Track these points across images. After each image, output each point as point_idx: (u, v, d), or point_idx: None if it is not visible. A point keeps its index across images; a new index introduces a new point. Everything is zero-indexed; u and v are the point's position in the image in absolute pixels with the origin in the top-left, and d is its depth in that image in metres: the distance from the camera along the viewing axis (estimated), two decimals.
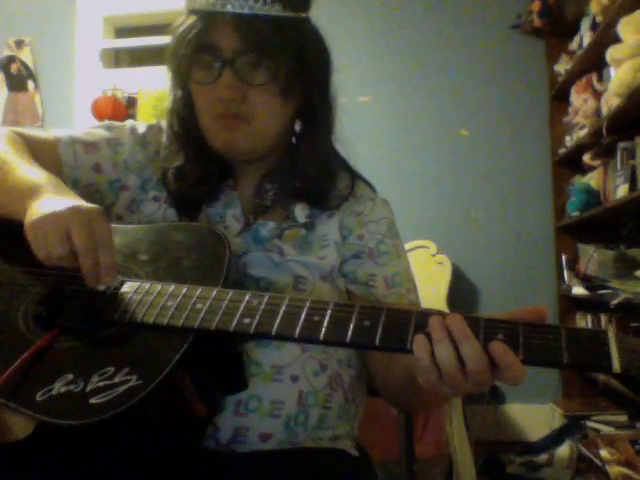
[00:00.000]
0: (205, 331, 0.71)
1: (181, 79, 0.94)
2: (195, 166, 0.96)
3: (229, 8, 0.85)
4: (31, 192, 0.81)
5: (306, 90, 0.93)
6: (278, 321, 0.69)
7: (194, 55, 0.88)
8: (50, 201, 0.78)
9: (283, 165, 0.98)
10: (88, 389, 0.66)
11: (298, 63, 0.90)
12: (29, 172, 0.85)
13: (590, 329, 0.63)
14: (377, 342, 0.66)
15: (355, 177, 1.03)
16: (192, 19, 0.88)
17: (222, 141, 0.92)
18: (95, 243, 0.74)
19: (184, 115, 0.96)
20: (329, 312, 0.69)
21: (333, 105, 0.97)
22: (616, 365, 0.59)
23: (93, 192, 0.99)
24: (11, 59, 3.56)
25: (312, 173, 0.96)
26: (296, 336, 0.68)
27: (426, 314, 0.66)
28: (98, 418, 0.63)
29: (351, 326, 0.67)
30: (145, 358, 0.70)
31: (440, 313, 0.67)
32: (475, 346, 0.62)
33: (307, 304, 0.70)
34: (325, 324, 0.68)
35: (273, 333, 0.69)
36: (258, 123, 0.91)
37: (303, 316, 0.69)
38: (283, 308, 0.70)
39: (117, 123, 1.05)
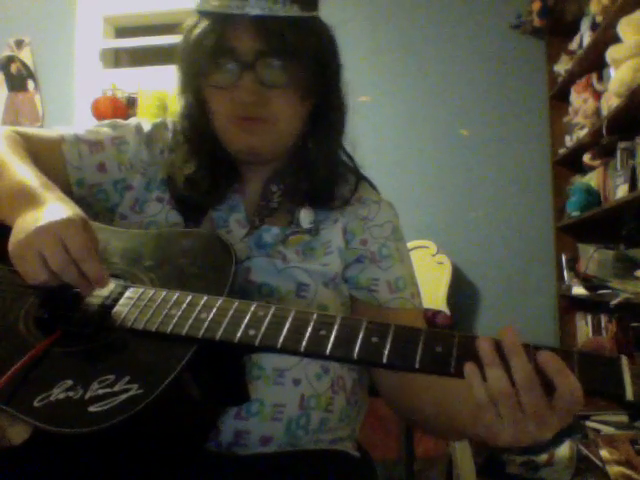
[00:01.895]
0: (209, 341, 0.69)
1: (196, 82, 0.91)
2: (206, 173, 0.94)
3: (248, 10, 0.83)
4: (19, 200, 0.80)
5: (321, 90, 0.92)
6: (284, 334, 0.68)
7: (213, 59, 0.86)
8: (28, 218, 0.76)
9: (290, 166, 0.97)
10: (87, 397, 0.65)
11: (315, 64, 0.89)
12: (20, 177, 0.83)
13: (603, 355, 0.61)
14: (384, 360, 0.64)
15: (360, 179, 1.01)
16: (206, 22, 0.86)
17: (242, 144, 0.90)
18: (72, 258, 0.73)
19: (197, 119, 0.94)
20: (336, 326, 0.67)
21: (345, 104, 0.97)
22: (629, 394, 0.57)
23: (98, 192, 0.98)
24: (11, 59, 3.56)
25: (321, 173, 0.95)
26: (302, 350, 0.67)
27: (436, 332, 0.65)
28: (96, 428, 0.62)
29: (358, 342, 0.66)
30: (147, 367, 0.68)
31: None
32: (525, 361, 0.60)
33: (314, 317, 0.69)
34: (332, 339, 0.66)
35: (278, 346, 0.67)
36: (278, 125, 0.90)
37: (309, 330, 0.68)
38: (289, 320, 0.69)
39: (122, 121, 1.03)
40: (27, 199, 0.79)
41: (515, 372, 0.60)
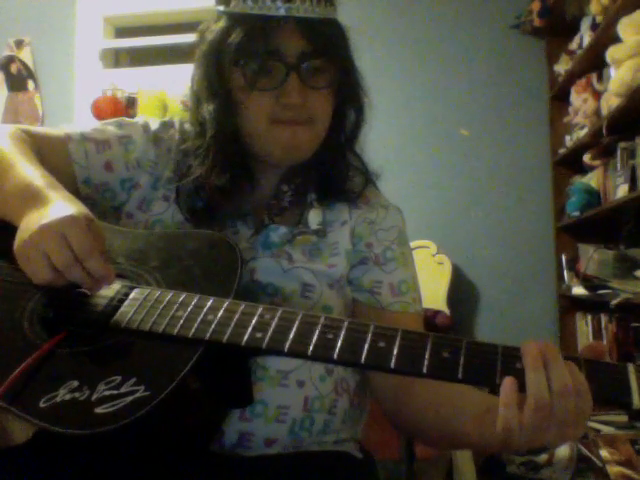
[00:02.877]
0: (216, 343, 0.69)
1: (227, 86, 0.89)
2: (233, 179, 0.91)
3: (293, 12, 0.83)
4: (25, 200, 0.80)
5: (346, 90, 0.93)
6: (291, 337, 0.67)
7: (259, 61, 0.85)
8: (32, 217, 0.76)
9: (302, 166, 0.96)
10: (94, 398, 0.64)
11: (347, 64, 0.91)
12: (26, 177, 0.83)
13: (610, 363, 0.61)
14: (392, 365, 0.64)
15: (368, 181, 1.01)
16: (244, 25, 0.84)
17: (285, 148, 0.89)
18: (76, 256, 0.72)
19: (227, 125, 0.90)
20: (343, 331, 0.67)
21: (364, 106, 0.97)
22: (636, 401, 0.57)
23: (105, 191, 0.97)
24: (11, 59, 3.56)
25: (333, 172, 0.96)
26: (309, 354, 0.66)
27: (443, 337, 0.65)
28: (103, 429, 0.62)
29: (366, 347, 0.65)
30: (153, 368, 0.68)
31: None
32: (564, 367, 0.59)
33: (321, 321, 0.69)
34: (339, 343, 0.66)
35: (285, 350, 0.67)
36: (317, 127, 0.90)
37: (317, 333, 0.67)
38: (296, 324, 0.68)
39: (129, 120, 1.02)
40: (32, 199, 0.79)
41: (554, 379, 0.59)
